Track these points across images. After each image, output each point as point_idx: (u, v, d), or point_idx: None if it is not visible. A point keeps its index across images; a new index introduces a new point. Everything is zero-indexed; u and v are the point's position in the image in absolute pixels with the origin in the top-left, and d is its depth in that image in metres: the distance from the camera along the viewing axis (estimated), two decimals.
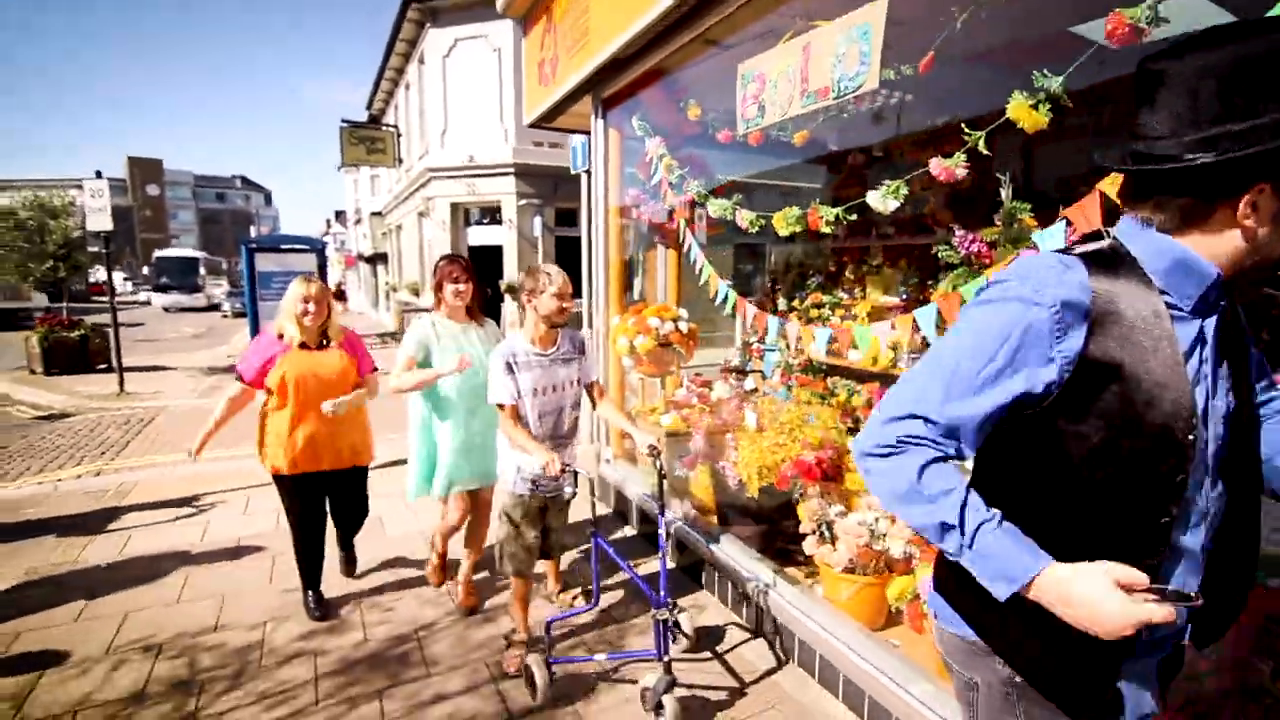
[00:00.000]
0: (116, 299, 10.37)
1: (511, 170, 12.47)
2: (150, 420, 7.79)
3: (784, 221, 2.80)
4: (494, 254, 13.21)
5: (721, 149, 3.80)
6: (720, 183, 3.94)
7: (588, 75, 4.19)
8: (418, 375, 3.09)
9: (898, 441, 1.05)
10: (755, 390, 4.43)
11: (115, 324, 9.75)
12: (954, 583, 1.16)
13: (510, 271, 12.95)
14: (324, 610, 3.29)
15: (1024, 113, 1.79)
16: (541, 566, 3.38)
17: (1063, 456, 1.03)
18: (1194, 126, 0.93)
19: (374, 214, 22.66)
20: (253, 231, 75.64)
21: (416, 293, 15.82)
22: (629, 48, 3.75)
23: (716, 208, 3.34)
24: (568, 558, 3.87)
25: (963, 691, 1.23)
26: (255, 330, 12.12)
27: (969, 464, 1.19)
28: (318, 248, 14.36)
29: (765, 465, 3.00)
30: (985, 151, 2.05)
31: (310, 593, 3.33)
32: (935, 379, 1.05)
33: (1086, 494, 1.03)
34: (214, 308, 30.68)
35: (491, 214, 13.45)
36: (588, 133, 4.93)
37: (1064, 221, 1.74)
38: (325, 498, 3.32)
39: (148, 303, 33.59)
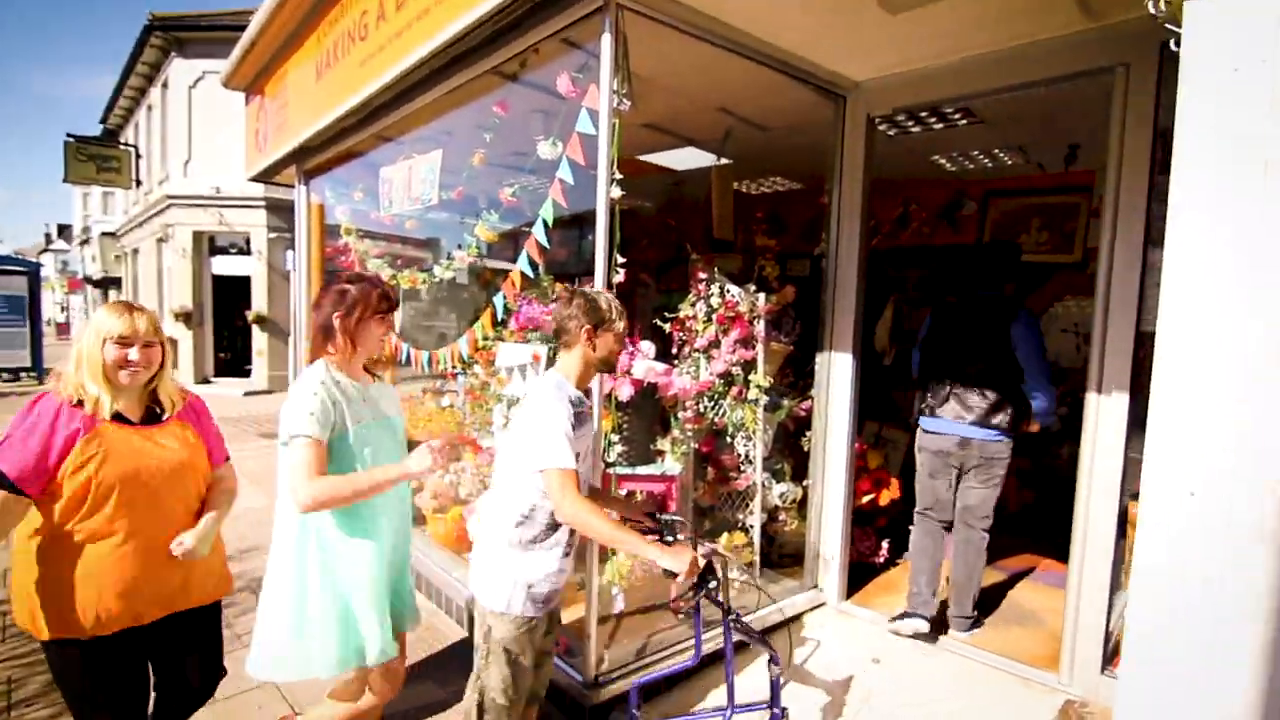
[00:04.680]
0: None
1: (263, 204, 12.68)
2: None
3: (403, 279, 4.13)
4: (241, 285, 13.18)
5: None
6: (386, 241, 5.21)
7: (289, 152, 5.25)
8: (362, 479, 1.91)
9: None
10: (450, 405, 5.72)
11: None
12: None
13: (259, 303, 13.01)
14: None
15: (484, 231, 3.30)
16: None
17: None
18: (1003, 268, 3.27)
19: (106, 234, 20.62)
20: None
21: None
22: (317, 138, 4.89)
23: (374, 266, 4.59)
24: None
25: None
26: None
27: None
28: (30, 270, 13.21)
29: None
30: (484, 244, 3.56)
31: None
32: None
33: None
34: None
35: (240, 244, 13.42)
36: None
37: (501, 293, 3.25)
38: (146, 664, 2.00)
39: None
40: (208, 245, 13.55)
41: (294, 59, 4.93)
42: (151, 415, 1.95)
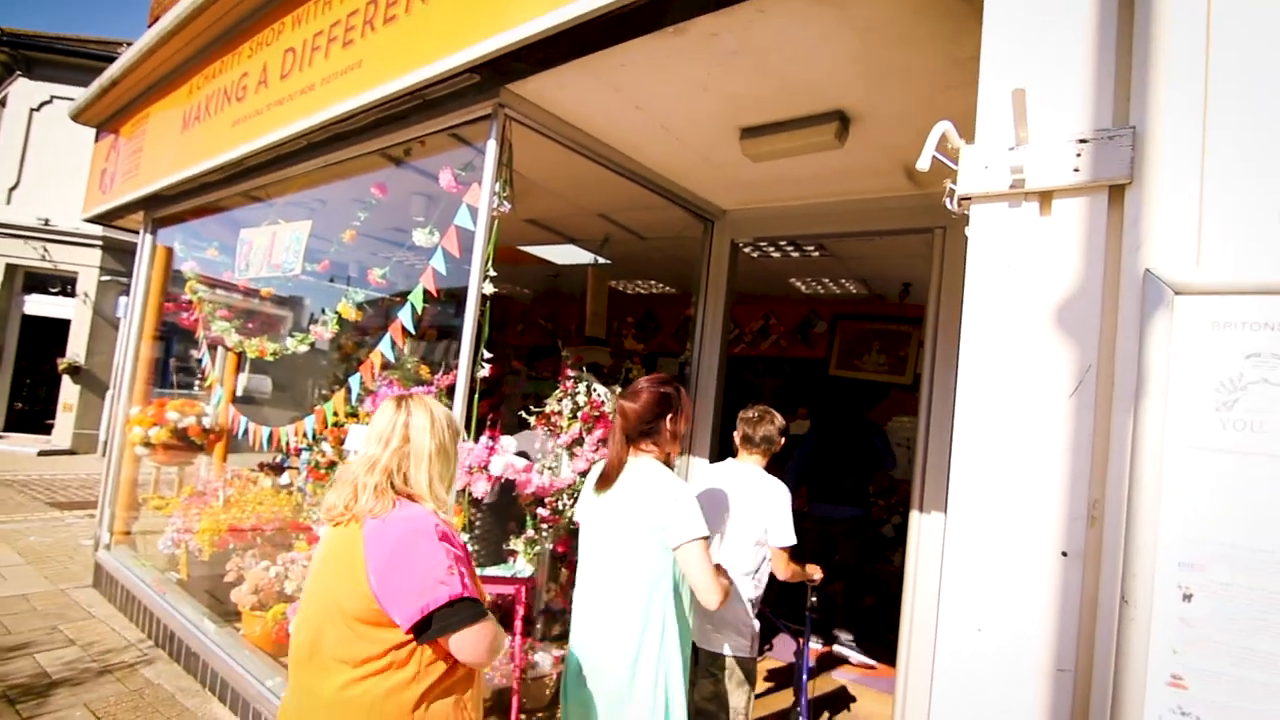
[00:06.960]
0: None
1: (100, 244, 11.48)
2: None
3: (250, 348, 3.85)
4: (58, 328, 11.66)
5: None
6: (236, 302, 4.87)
7: (139, 198, 4.85)
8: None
9: None
10: (290, 484, 5.22)
11: None
12: None
13: (77, 349, 11.53)
14: None
15: (345, 309, 3.19)
16: None
17: None
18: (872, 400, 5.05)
19: None
20: None
21: None
22: (173, 189, 4.57)
23: (219, 328, 4.25)
24: None
25: None
26: None
27: None
28: None
29: (216, 531, 3.82)
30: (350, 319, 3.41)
31: None
32: None
33: None
34: None
35: (62, 283, 11.96)
36: None
37: (358, 375, 3.10)
38: None
39: None
40: (21, 281, 11.94)
41: (159, 104, 4.65)
42: None
